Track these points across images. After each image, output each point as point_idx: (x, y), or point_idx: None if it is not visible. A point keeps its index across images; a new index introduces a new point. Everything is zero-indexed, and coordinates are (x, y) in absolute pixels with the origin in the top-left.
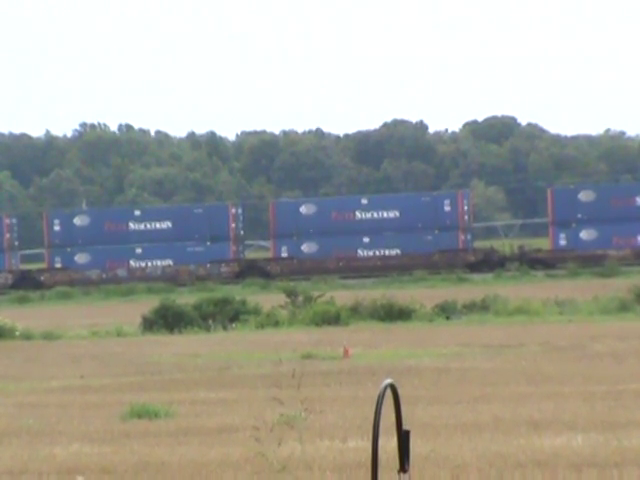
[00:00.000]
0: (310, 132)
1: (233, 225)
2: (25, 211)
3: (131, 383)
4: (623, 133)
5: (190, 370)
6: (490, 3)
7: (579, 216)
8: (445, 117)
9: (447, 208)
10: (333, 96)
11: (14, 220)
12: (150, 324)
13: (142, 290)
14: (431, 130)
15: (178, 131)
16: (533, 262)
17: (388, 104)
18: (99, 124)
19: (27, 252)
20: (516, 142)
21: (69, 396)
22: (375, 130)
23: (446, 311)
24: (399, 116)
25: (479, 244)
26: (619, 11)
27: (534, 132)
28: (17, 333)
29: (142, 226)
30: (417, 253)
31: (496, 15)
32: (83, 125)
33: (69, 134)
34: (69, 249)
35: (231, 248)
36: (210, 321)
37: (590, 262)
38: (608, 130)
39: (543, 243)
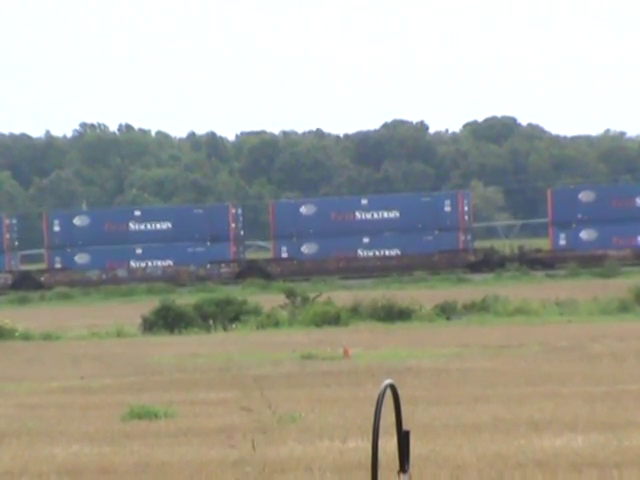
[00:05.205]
0: (310, 132)
1: (233, 225)
2: (25, 211)
3: (131, 384)
4: (623, 134)
5: (190, 370)
6: (490, 4)
7: (579, 216)
8: (445, 117)
9: (447, 208)
10: (333, 96)
11: (14, 220)
12: (150, 325)
13: (142, 291)
14: (431, 130)
15: (178, 131)
16: (533, 262)
17: (388, 104)
18: (99, 124)
19: (27, 252)
20: (516, 143)
21: (69, 397)
22: (375, 130)
23: (446, 311)
24: (399, 116)
25: (479, 244)
26: (618, 12)
27: (534, 133)
28: (17, 334)
29: (142, 226)
30: (417, 253)
31: (496, 16)
32: (83, 125)
33: (69, 134)
34: (69, 249)
35: (231, 249)
36: (210, 321)
37: (590, 262)
38: (608, 131)
39: (543, 243)
